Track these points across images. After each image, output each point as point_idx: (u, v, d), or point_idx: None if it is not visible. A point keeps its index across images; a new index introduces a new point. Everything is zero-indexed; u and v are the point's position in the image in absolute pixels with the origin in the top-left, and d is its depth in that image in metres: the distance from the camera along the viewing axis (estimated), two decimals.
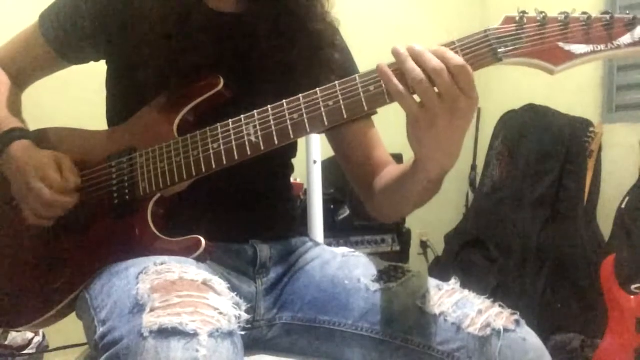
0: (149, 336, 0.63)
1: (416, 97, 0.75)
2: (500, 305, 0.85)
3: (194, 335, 0.63)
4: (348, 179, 1.11)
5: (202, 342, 0.63)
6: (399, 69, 0.76)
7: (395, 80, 0.75)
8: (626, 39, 0.75)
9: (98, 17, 0.97)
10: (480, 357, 0.80)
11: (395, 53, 0.75)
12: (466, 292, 0.89)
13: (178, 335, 0.63)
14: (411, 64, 0.74)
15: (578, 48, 0.76)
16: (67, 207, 0.92)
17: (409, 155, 0.83)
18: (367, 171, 1.04)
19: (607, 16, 0.75)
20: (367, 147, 1.05)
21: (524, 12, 0.77)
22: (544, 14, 0.77)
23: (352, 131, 1.05)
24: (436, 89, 0.73)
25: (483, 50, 0.77)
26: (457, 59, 0.73)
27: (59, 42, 1.02)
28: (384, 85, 0.78)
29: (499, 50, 0.77)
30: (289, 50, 0.97)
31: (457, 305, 0.85)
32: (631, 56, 0.77)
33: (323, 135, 1.17)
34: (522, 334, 0.81)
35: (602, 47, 0.75)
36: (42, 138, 1.01)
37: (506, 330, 0.80)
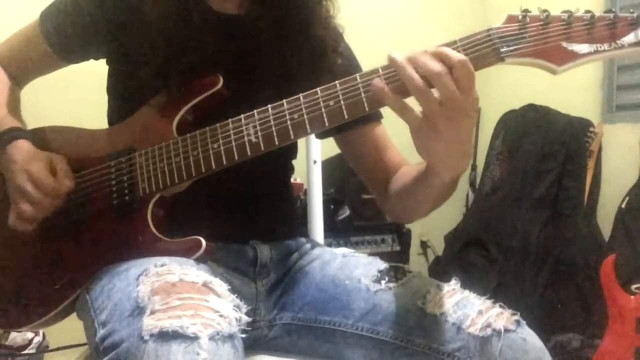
0: (150, 339, 0.63)
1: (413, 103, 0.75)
2: (500, 306, 0.85)
3: (195, 338, 0.63)
4: (364, 182, 1.11)
5: (203, 345, 0.63)
6: (395, 76, 0.75)
7: (393, 97, 0.75)
8: (630, 38, 0.74)
9: (99, 16, 0.96)
10: (481, 357, 0.79)
11: (392, 60, 0.74)
12: (467, 292, 0.89)
13: (179, 339, 0.63)
14: (410, 72, 0.72)
15: (581, 48, 0.75)
16: (51, 210, 0.91)
17: (409, 155, 0.83)
18: (380, 174, 1.04)
19: (611, 15, 0.75)
20: (378, 150, 1.05)
21: (526, 11, 0.77)
22: (547, 13, 0.76)
23: (361, 134, 1.05)
24: (436, 94, 0.72)
25: (486, 49, 0.76)
26: (458, 55, 0.72)
27: (59, 42, 1.02)
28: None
29: (502, 50, 0.76)
30: (290, 53, 0.96)
31: (458, 305, 0.85)
32: (634, 56, 0.76)
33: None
34: (522, 334, 0.81)
35: (606, 46, 0.75)
36: (41, 137, 1.00)
37: (506, 330, 0.80)
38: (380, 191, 1.04)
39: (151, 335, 0.63)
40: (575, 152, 2.37)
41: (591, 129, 2.39)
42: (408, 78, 0.72)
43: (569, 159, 2.37)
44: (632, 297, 1.91)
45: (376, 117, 1.06)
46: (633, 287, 1.93)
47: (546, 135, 2.42)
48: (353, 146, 1.07)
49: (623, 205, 2.14)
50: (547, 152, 2.40)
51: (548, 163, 2.39)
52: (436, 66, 0.71)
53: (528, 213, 2.38)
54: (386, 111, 0.89)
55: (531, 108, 2.56)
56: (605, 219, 2.29)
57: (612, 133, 2.41)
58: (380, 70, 0.78)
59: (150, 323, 0.64)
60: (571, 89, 2.46)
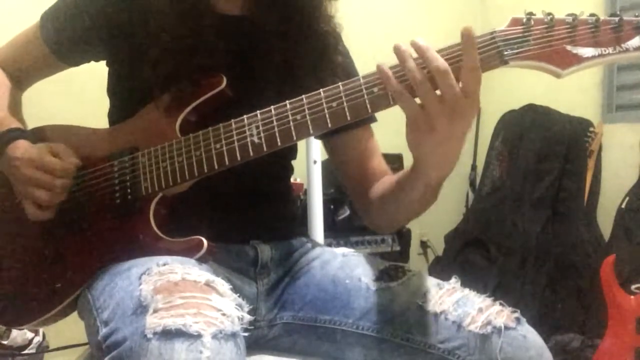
0: (153, 337, 0.63)
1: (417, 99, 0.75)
2: (500, 304, 0.86)
3: (198, 336, 0.63)
4: (344, 188, 1.10)
5: (206, 343, 0.63)
6: (401, 69, 0.76)
7: (394, 81, 0.75)
8: (635, 42, 0.74)
9: (100, 18, 0.97)
10: (481, 354, 0.80)
11: (397, 50, 0.75)
12: (467, 290, 0.89)
13: (182, 337, 0.63)
14: (412, 64, 0.73)
15: (585, 51, 0.75)
16: (66, 191, 0.91)
17: (409, 156, 0.83)
18: (362, 180, 1.04)
19: (616, 19, 0.75)
20: (363, 156, 1.05)
21: (531, 14, 0.77)
22: (551, 16, 0.76)
23: (350, 138, 1.05)
24: (437, 90, 0.73)
25: (490, 52, 0.76)
26: (473, 61, 0.72)
27: (59, 44, 1.02)
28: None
29: (506, 53, 0.76)
30: (294, 53, 0.96)
31: (458, 303, 0.85)
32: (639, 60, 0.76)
33: None
34: (522, 332, 0.82)
35: (610, 50, 0.74)
36: (42, 136, 1.01)
37: (507, 327, 0.80)
38: (360, 198, 1.04)
39: (154, 334, 0.63)
40: (575, 152, 2.37)
41: (591, 129, 2.40)
42: (410, 70, 0.73)
43: (569, 159, 2.38)
44: (632, 297, 1.91)
45: (367, 122, 1.06)
46: (633, 287, 1.93)
47: (546, 135, 2.42)
48: (339, 150, 1.07)
49: (623, 205, 2.14)
50: (547, 152, 2.40)
51: (548, 163, 2.39)
52: (443, 64, 0.72)
53: (528, 213, 2.38)
54: (387, 113, 0.89)
55: (531, 108, 2.57)
56: (605, 219, 2.30)
57: (612, 133, 2.41)
58: None
59: (153, 321, 0.64)
60: (571, 89, 2.46)
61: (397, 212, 0.94)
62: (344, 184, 1.10)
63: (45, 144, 0.93)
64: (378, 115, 1.04)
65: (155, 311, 0.66)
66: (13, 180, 0.93)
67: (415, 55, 0.74)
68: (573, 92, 2.49)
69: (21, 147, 0.93)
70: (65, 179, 0.91)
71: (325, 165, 1.55)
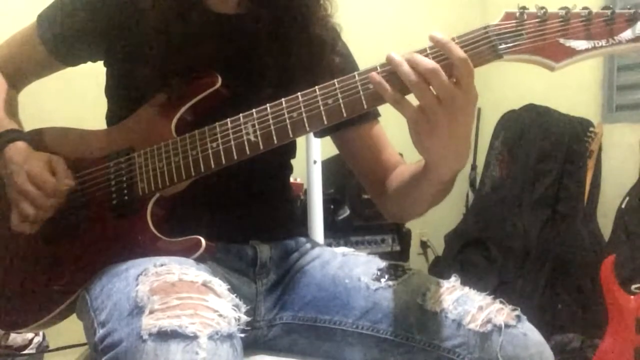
0: (148, 339, 0.63)
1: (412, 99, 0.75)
2: (501, 302, 0.86)
3: (194, 337, 0.63)
4: (359, 181, 1.11)
5: (202, 344, 0.63)
6: (393, 72, 0.76)
7: (390, 89, 0.75)
8: (627, 34, 0.75)
9: (97, 18, 0.97)
10: (481, 352, 0.80)
11: (390, 59, 0.76)
12: (466, 289, 0.89)
13: (177, 338, 0.63)
14: (406, 68, 0.74)
15: (579, 44, 0.75)
16: (54, 209, 0.91)
17: (409, 155, 0.83)
18: (377, 173, 1.04)
19: (608, 12, 0.75)
20: (375, 149, 1.05)
21: (524, 8, 0.77)
22: (544, 10, 0.77)
23: (359, 133, 1.05)
24: (433, 91, 0.73)
25: (483, 46, 0.77)
26: (460, 53, 0.73)
27: (56, 44, 1.02)
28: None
29: (499, 47, 0.77)
30: (288, 53, 0.96)
31: (458, 301, 0.85)
32: (632, 52, 0.77)
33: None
34: (523, 330, 0.81)
35: (603, 42, 0.75)
36: (39, 138, 1.00)
37: (507, 325, 0.80)
38: (377, 191, 1.04)
39: (150, 335, 0.63)
40: (575, 152, 2.37)
41: (591, 129, 2.39)
42: (404, 73, 0.74)
43: (569, 159, 2.37)
44: (632, 297, 1.91)
45: (374, 116, 1.06)
46: (633, 287, 1.92)
47: (546, 135, 2.42)
48: (350, 145, 1.07)
49: (623, 205, 2.14)
50: (547, 152, 2.39)
51: (548, 163, 2.39)
52: (430, 63, 0.72)
53: (528, 213, 2.38)
54: (386, 112, 0.89)
55: (531, 108, 2.56)
56: (605, 219, 2.29)
57: (612, 133, 2.40)
58: (378, 68, 0.79)
59: (149, 322, 0.64)
60: (571, 89, 2.45)
61: (413, 204, 0.95)
62: (358, 177, 1.10)
63: (45, 156, 0.93)
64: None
65: (151, 312, 0.66)
66: (7, 184, 0.93)
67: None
68: (573, 92, 2.49)
69: (21, 151, 0.92)
70: (54, 200, 0.90)
71: (325, 165, 1.55)
